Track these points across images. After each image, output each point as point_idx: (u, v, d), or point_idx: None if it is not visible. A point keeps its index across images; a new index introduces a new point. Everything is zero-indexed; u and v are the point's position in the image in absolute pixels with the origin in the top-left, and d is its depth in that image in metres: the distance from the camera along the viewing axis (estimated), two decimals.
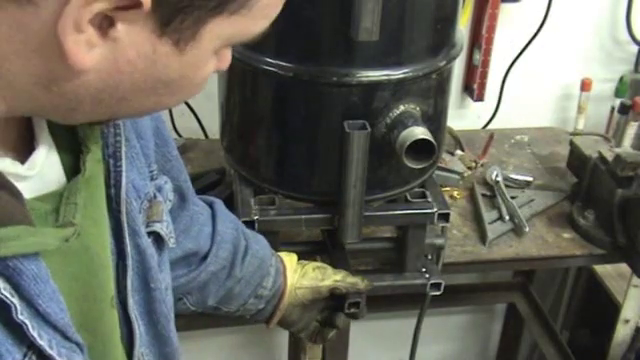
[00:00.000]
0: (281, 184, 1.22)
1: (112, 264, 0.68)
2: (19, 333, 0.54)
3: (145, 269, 0.73)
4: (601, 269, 1.83)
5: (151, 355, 0.78)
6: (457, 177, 1.64)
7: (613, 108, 1.93)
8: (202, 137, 1.83)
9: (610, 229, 1.44)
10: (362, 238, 1.20)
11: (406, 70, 1.10)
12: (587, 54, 1.97)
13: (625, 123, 1.88)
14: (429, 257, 1.32)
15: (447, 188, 1.61)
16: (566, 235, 1.51)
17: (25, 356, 0.54)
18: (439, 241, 1.30)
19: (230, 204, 1.43)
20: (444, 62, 1.16)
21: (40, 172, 0.59)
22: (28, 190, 0.56)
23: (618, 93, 1.94)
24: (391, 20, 1.05)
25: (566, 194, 1.63)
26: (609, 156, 1.47)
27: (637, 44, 1.94)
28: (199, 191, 1.55)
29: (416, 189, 1.25)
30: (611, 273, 1.80)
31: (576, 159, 1.60)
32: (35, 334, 0.54)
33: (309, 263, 1.15)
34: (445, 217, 1.22)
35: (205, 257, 0.99)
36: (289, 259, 1.14)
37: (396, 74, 1.10)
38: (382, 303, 2.01)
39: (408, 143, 1.05)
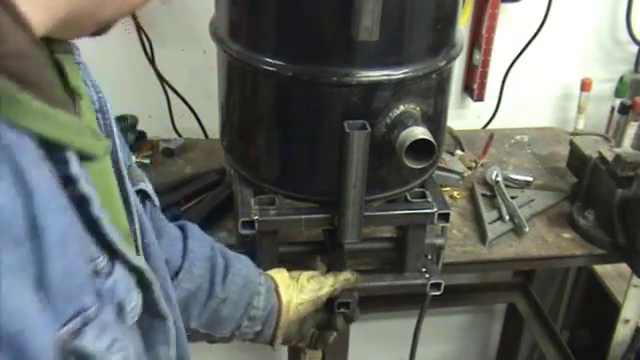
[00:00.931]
0: (281, 184, 1.22)
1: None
2: (98, 235, 0.54)
3: (141, 221, 0.74)
4: (601, 269, 1.83)
5: None
6: (457, 177, 1.64)
7: (613, 108, 1.93)
8: (202, 137, 1.83)
9: (610, 229, 1.44)
10: (362, 238, 1.20)
11: (406, 70, 1.10)
12: (587, 54, 1.97)
13: (625, 123, 1.88)
14: (429, 257, 1.32)
15: (447, 188, 1.62)
16: (566, 235, 1.51)
17: (102, 254, 0.55)
18: (439, 241, 1.30)
19: (230, 204, 1.44)
20: (444, 62, 1.16)
21: None
22: None
23: (618, 93, 1.95)
24: (391, 20, 1.05)
25: (566, 194, 1.63)
26: (609, 156, 1.47)
27: (637, 44, 1.94)
28: (199, 191, 1.56)
29: (416, 189, 1.25)
30: (611, 273, 1.81)
31: (576, 159, 1.60)
32: (111, 235, 0.55)
33: (301, 274, 1.12)
34: (445, 217, 1.22)
35: (177, 273, 0.96)
36: (280, 276, 1.10)
37: (396, 74, 1.10)
38: (382, 303, 2.02)
39: (408, 143, 1.05)
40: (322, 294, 1.10)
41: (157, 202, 0.85)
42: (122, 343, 0.55)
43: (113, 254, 0.56)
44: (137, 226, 0.70)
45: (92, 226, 0.53)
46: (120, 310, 0.57)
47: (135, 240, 0.70)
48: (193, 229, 1.02)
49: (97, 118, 0.68)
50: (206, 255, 1.00)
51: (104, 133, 0.68)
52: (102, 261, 0.55)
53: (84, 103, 0.62)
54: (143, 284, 0.63)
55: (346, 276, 1.13)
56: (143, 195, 0.80)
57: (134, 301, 0.60)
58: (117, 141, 0.70)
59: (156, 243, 0.77)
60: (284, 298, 1.07)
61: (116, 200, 0.66)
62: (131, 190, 0.71)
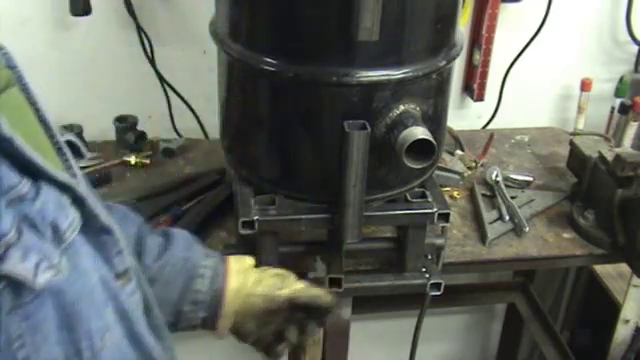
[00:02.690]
0: (281, 184, 1.22)
1: None
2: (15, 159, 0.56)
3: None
4: (601, 269, 1.83)
5: None
6: (457, 177, 1.64)
7: (613, 108, 1.93)
8: (202, 137, 1.83)
9: (610, 229, 1.44)
10: (362, 238, 1.20)
11: (406, 70, 1.10)
12: (587, 54, 1.97)
13: (625, 123, 1.88)
14: (429, 257, 1.32)
15: (447, 188, 1.61)
16: (566, 235, 1.51)
17: (22, 177, 0.56)
18: (439, 241, 1.30)
19: (230, 204, 1.44)
20: (444, 62, 1.16)
21: None
22: None
23: (618, 93, 1.95)
24: (391, 20, 1.05)
25: (566, 194, 1.63)
26: (609, 156, 1.47)
27: (637, 44, 1.94)
28: (199, 191, 1.56)
29: (416, 189, 1.25)
30: (611, 273, 1.81)
31: (576, 159, 1.60)
32: (31, 155, 0.56)
33: (269, 269, 1.07)
34: (445, 217, 1.22)
35: None
36: (237, 262, 1.04)
37: (396, 74, 1.10)
38: (382, 303, 2.02)
39: (408, 143, 1.05)
40: (279, 294, 1.03)
41: (85, 152, 0.84)
42: (51, 261, 0.57)
43: (37, 175, 0.58)
44: (66, 154, 0.70)
45: (5, 148, 0.55)
46: (55, 230, 0.58)
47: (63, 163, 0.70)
48: (120, 209, 0.98)
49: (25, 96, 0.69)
50: (131, 233, 0.96)
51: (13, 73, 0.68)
52: (24, 186, 0.56)
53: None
54: (78, 201, 0.63)
55: (318, 292, 1.05)
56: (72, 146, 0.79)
57: (69, 218, 0.61)
58: (31, 90, 0.70)
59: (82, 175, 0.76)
60: (231, 285, 1.01)
61: (35, 128, 0.67)
62: (51, 120, 0.71)
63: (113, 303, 0.67)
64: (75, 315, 0.61)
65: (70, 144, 0.80)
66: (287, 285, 1.04)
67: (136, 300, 0.74)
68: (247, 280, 1.03)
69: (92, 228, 0.66)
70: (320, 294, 1.05)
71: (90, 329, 0.63)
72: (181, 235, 1.03)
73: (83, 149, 0.83)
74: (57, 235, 0.59)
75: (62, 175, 0.61)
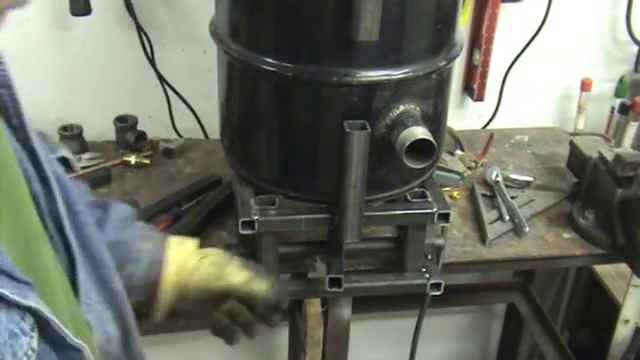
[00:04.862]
0: (281, 184, 1.22)
1: (37, 196, 0.67)
2: None
3: (67, 194, 0.72)
4: (601, 269, 1.83)
5: (89, 281, 0.75)
6: (457, 177, 1.64)
7: (613, 108, 1.93)
8: (202, 137, 1.83)
9: (610, 229, 1.44)
10: (362, 238, 1.20)
11: (406, 70, 1.10)
12: (587, 54, 1.97)
13: (625, 123, 1.88)
14: (429, 257, 1.32)
15: (447, 188, 1.61)
16: (566, 235, 1.51)
17: None
18: (439, 241, 1.30)
19: (230, 204, 1.44)
20: (444, 62, 1.16)
21: None
22: None
23: (618, 93, 1.95)
24: (391, 20, 1.05)
25: (566, 194, 1.63)
26: (609, 156, 1.47)
27: (637, 44, 1.94)
28: (199, 191, 1.56)
29: (416, 189, 1.25)
30: (611, 273, 1.80)
31: (576, 159, 1.60)
32: None
33: (210, 255, 1.00)
34: (445, 217, 1.22)
35: None
36: (178, 246, 0.98)
37: (396, 74, 1.10)
38: (382, 303, 2.02)
39: (408, 143, 1.05)
40: (214, 286, 0.97)
41: (78, 167, 0.82)
42: None
43: None
44: (60, 207, 0.68)
45: None
46: None
47: (59, 223, 0.68)
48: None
49: (2, 95, 0.66)
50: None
51: (12, 110, 0.66)
52: None
53: None
54: (40, 322, 0.59)
55: (259, 287, 0.97)
56: (63, 162, 0.77)
57: (21, 350, 0.56)
58: (25, 116, 0.67)
59: (84, 210, 0.74)
60: (168, 275, 0.96)
61: (23, 203, 0.64)
62: (49, 170, 0.69)
63: None
64: None
65: (63, 160, 0.79)
66: (224, 276, 0.97)
67: None
68: (184, 268, 0.97)
69: (59, 346, 0.63)
70: (260, 289, 0.97)
71: None
72: (117, 213, 0.97)
73: (75, 164, 0.83)
74: None
75: (26, 297, 0.56)
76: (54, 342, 0.61)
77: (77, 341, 0.64)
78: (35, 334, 0.58)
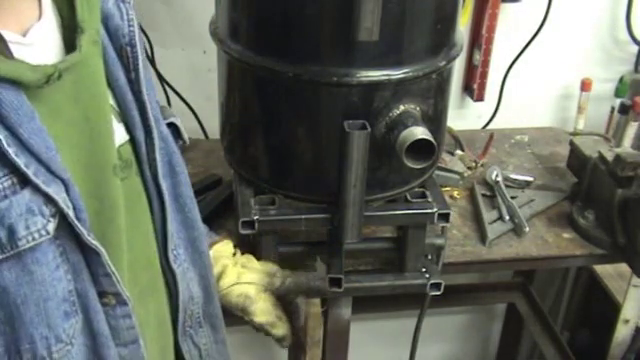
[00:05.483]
0: (281, 184, 1.22)
1: (139, 144, 0.75)
2: (3, 158, 0.59)
3: (169, 154, 0.80)
4: (601, 269, 1.83)
5: (180, 240, 0.83)
6: (457, 177, 1.64)
7: (613, 108, 1.93)
8: (202, 137, 1.83)
9: (610, 229, 1.44)
10: (362, 238, 1.20)
11: (406, 70, 1.10)
12: (587, 54, 1.97)
13: (625, 123, 1.88)
14: (429, 257, 1.32)
15: (447, 188, 1.61)
16: (566, 235, 1.51)
17: (5, 175, 0.59)
18: (439, 241, 1.30)
19: (230, 204, 1.44)
20: (444, 62, 1.16)
21: (39, 44, 0.64)
22: (28, 58, 0.61)
23: (618, 93, 1.95)
24: (391, 20, 1.05)
25: (566, 194, 1.63)
26: (609, 156, 1.47)
27: (637, 44, 1.94)
28: (199, 191, 1.55)
29: (416, 189, 1.25)
30: (611, 273, 1.81)
31: (576, 159, 1.60)
32: (16, 158, 0.58)
33: (243, 276, 1.12)
34: (445, 217, 1.22)
35: None
36: (219, 249, 1.13)
37: (396, 74, 1.10)
38: (382, 303, 2.02)
39: (408, 143, 1.05)
40: (237, 313, 1.11)
41: (187, 137, 0.93)
42: None
43: (22, 177, 0.60)
44: (157, 155, 0.76)
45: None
46: (10, 233, 0.60)
47: (155, 172, 0.76)
48: None
49: (126, 51, 0.74)
50: None
51: (131, 65, 0.75)
52: (5, 181, 0.59)
53: (85, 37, 0.68)
54: (62, 215, 0.64)
55: (279, 332, 1.14)
56: (174, 129, 0.87)
57: (33, 227, 0.62)
58: (141, 72, 0.76)
59: (186, 172, 0.83)
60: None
61: (102, 134, 0.70)
62: (154, 122, 0.76)
63: (81, 319, 0.68)
64: (17, 316, 0.62)
65: (173, 126, 0.92)
66: (249, 313, 1.10)
67: (128, 324, 0.74)
68: (216, 282, 1.05)
69: (75, 243, 0.67)
70: (277, 335, 1.12)
71: (32, 334, 0.64)
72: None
73: (184, 134, 0.91)
74: (11, 238, 0.60)
75: (51, 185, 0.62)
76: (73, 238, 0.66)
77: (93, 242, 0.68)
78: (54, 220, 0.63)
